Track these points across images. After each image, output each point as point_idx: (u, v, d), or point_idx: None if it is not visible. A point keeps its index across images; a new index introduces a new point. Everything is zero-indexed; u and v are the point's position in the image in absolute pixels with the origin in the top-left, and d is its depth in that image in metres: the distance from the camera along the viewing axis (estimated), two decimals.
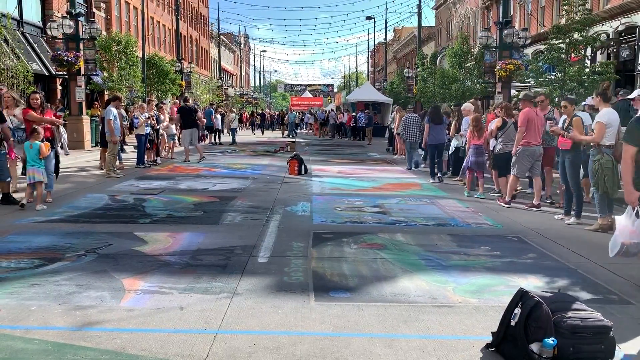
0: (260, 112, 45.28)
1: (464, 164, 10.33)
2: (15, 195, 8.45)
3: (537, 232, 6.87)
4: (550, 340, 3.07)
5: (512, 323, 3.33)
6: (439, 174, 11.88)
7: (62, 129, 13.00)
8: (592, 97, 7.75)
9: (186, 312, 4.00)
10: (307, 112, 46.28)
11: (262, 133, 37.83)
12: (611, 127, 6.85)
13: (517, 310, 3.33)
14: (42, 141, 8.12)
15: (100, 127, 14.33)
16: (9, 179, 8.34)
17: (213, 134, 24.58)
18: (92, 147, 18.52)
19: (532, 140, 8.58)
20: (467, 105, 11.22)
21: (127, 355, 3.32)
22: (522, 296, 3.39)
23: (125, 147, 16.92)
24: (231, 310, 4.04)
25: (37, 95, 8.87)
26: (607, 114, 6.87)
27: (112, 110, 12.08)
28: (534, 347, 3.14)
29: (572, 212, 7.61)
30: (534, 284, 4.78)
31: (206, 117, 24.25)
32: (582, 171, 7.72)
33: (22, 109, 8.88)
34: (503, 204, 8.75)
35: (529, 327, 3.22)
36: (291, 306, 4.14)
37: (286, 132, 34.26)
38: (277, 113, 50.94)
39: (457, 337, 3.66)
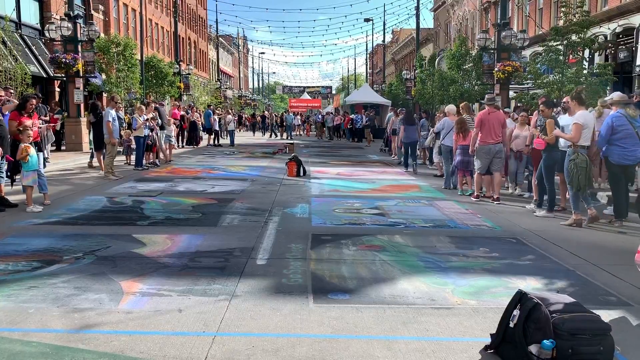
0: (262, 114, 45.59)
1: (453, 163, 10.74)
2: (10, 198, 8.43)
3: (536, 233, 6.87)
4: (549, 342, 3.07)
5: (511, 325, 3.32)
6: (413, 167, 13.95)
7: (50, 133, 13.03)
8: (566, 101, 8.27)
9: (184, 314, 4.00)
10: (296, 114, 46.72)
11: (263, 134, 37.90)
12: (587, 129, 7.25)
13: (516, 312, 3.33)
14: (31, 144, 8.05)
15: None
16: (3, 182, 8.31)
17: (213, 136, 24.56)
18: (90, 149, 18.48)
19: (487, 139, 9.28)
20: (450, 108, 11.49)
21: (125, 357, 3.31)
22: (520, 298, 3.39)
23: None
24: (230, 313, 4.03)
25: (34, 101, 8.87)
26: (583, 116, 7.28)
27: (111, 112, 12.07)
28: (533, 348, 3.14)
29: (544, 206, 8.17)
30: (533, 285, 4.78)
31: (205, 119, 24.34)
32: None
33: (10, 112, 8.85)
34: (492, 201, 9.27)
35: (528, 328, 3.22)
36: (290, 308, 4.14)
37: (285, 135, 34.34)
38: (275, 114, 51.00)
39: (456, 339, 3.65)
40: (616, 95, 8.04)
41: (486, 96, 10.40)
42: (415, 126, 14.30)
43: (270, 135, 35.28)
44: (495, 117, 9.38)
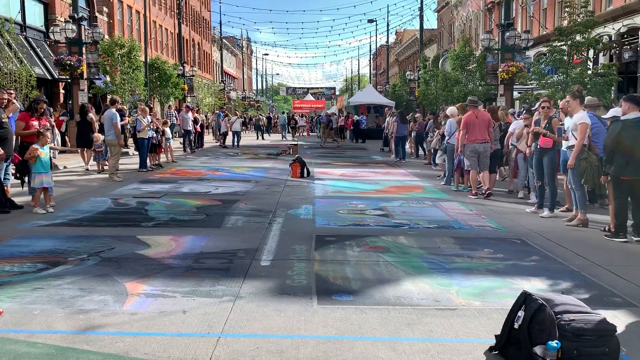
0: (267, 115, 45.99)
1: (454, 162, 11.04)
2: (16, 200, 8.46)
3: (540, 234, 6.85)
4: (554, 343, 3.06)
5: (516, 326, 3.31)
6: (401, 157, 17.28)
7: (54, 132, 13.08)
8: (566, 101, 8.42)
9: (189, 315, 4.00)
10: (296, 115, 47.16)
11: (267, 136, 37.94)
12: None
13: (521, 313, 3.32)
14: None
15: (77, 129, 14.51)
16: (9, 184, 8.34)
17: (224, 138, 24.53)
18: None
19: (474, 139, 9.74)
20: (452, 110, 11.71)
21: (130, 358, 3.32)
22: (525, 299, 3.38)
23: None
24: (234, 314, 4.04)
25: (44, 105, 8.93)
26: (586, 116, 7.54)
27: (116, 114, 12.10)
28: (538, 350, 3.13)
29: (546, 205, 8.20)
30: (537, 286, 4.77)
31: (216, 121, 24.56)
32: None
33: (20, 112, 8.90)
34: (482, 197, 9.67)
35: (533, 330, 3.21)
36: (294, 309, 4.14)
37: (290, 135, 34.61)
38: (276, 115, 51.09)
39: (461, 340, 3.65)
40: (588, 99, 8.91)
41: (469, 98, 10.73)
42: (407, 124, 18.10)
43: (258, 137, 35.12)
44: (481, 118, 9.83)
